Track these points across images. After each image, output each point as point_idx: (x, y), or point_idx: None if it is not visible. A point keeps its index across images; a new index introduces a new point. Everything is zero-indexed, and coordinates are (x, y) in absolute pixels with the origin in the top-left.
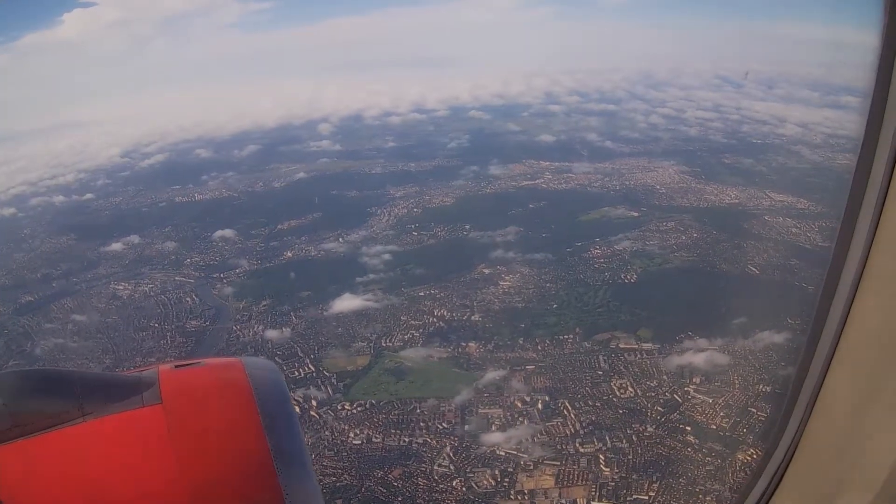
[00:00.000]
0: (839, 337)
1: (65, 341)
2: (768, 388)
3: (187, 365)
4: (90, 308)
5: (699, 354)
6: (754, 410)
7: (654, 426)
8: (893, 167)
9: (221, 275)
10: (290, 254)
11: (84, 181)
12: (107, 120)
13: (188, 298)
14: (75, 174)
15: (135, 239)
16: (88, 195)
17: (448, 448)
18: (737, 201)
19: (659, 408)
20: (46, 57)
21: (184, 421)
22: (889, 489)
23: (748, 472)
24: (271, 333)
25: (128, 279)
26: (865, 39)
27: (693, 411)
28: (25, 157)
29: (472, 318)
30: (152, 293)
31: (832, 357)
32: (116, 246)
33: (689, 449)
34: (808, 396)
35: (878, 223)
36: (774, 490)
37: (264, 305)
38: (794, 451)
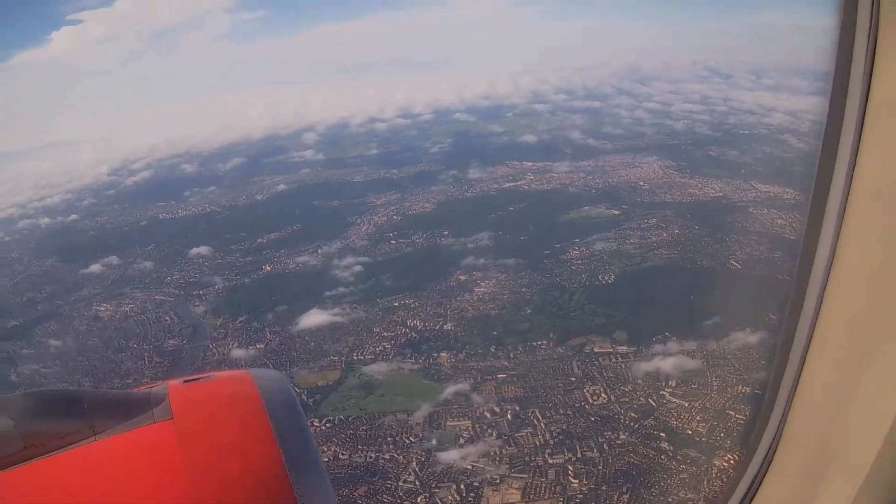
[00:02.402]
0: (813, 329)
1: (44, 367)
2: (747, 390)
3: (196, 379)
4: (71, 331)
5: (676, 356)
6: (732, 413)
7: (626, 433)
8: (856, 157)
9: (201, 292)
10: (268, 268)
11: (70, 202)
12: (96, 137)
13: (167, 317)
14: (62, 195)
15: (116, 259)
16: (73, 216)
17: (414, 463)
18: (721, 194)
19: (633, 414)
20: (37, 76)
21: (196, 436)
22: (871, 481)
23: (728, 475)
24: (245, 350)
25: (109, 300)
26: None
27: (668, 416)
28: (16, 178)
29: (445, 327)
30: (132, 313)
31: (807, 350)
32: (99, 267)
33: (662, 456)
34: (787, 391)
35: (843, 211)
36: (759, 486)
37: (240, 322)
38: (776, 447)
